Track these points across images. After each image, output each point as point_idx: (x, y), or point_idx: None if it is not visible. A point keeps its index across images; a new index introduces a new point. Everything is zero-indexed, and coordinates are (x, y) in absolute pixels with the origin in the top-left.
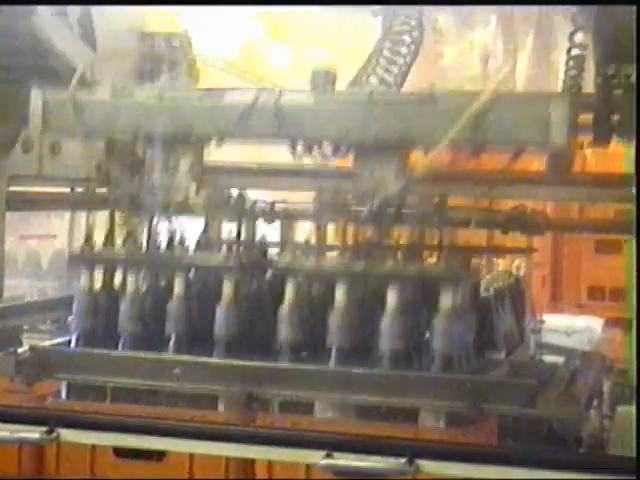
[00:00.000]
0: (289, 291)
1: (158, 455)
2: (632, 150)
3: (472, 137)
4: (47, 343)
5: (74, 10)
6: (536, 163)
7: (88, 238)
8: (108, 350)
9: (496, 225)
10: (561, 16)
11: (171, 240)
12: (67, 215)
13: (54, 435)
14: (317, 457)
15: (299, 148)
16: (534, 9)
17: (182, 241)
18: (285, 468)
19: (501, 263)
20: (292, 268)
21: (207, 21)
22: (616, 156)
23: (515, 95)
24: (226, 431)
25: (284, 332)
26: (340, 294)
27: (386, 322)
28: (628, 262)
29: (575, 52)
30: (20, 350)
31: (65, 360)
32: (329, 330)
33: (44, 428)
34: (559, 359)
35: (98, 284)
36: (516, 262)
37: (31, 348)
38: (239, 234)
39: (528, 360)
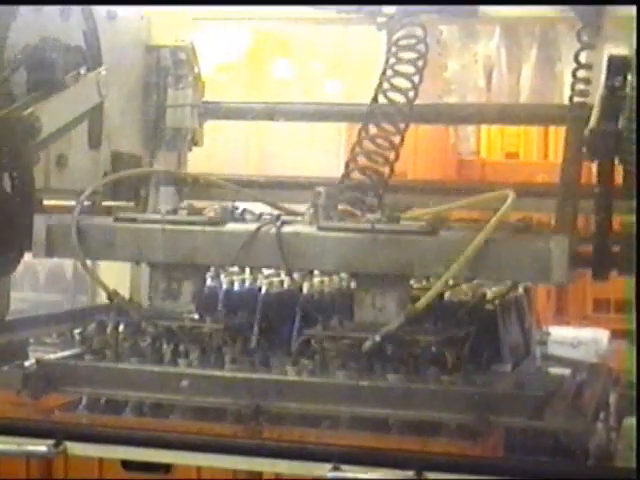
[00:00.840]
0: None
1: (166, 467)
2: None
3: (473, 272)
4: (53, 356)
5: (80, 24)
6: (541, 175)
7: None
8: (114, 363)
9: None
10: (565, 27)
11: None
12: None
13: (61, 448)
14: (324, 470)
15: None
16: (537, 21)
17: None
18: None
19: None
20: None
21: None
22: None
23: (516, 231)
24: (233, 444)
25: None
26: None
27: None
28: None
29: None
30: (27, 363)
31: (71, 373)
32: None
33: (51, 441)
34: (565, 371)
35: None
36: None
37: (37, 361)
38: None
39: (535, 372)
